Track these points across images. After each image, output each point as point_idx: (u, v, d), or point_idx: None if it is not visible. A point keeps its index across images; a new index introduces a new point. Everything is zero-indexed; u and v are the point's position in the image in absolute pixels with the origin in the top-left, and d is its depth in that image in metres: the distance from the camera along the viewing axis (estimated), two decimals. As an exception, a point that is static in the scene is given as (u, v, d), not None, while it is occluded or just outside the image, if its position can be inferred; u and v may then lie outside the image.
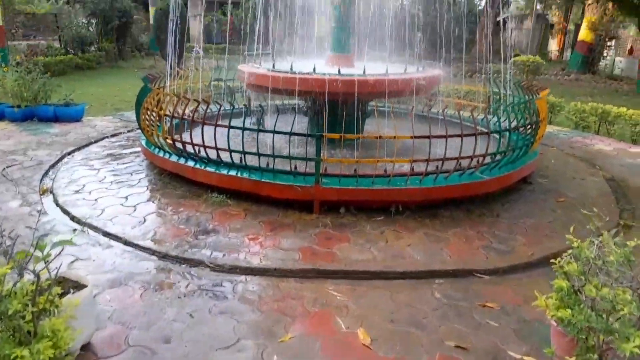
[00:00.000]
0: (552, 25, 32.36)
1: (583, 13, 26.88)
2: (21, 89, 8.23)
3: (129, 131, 7.92)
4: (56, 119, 8.37)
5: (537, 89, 6.06)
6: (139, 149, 6.43)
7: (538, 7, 34.54)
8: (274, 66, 5.62)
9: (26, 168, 5.88)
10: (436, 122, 6.43)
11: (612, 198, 5.37)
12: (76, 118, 8.46)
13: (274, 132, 4.29)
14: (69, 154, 6.63)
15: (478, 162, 4.53)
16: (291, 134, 4.25)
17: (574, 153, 7.33)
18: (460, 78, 8.60)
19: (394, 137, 4.24)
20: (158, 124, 5.34)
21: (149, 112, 5.20)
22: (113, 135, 7.68)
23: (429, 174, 4.41)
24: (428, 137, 4.22)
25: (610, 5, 17.42)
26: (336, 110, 5.61)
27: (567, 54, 28.32)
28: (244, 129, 4.38)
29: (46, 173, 5.83)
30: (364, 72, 5.21)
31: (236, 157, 4.56)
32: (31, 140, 7.24)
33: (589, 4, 17.82)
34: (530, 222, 4.46)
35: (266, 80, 5.29)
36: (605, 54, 21.10)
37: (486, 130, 4.54)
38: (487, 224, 4.38)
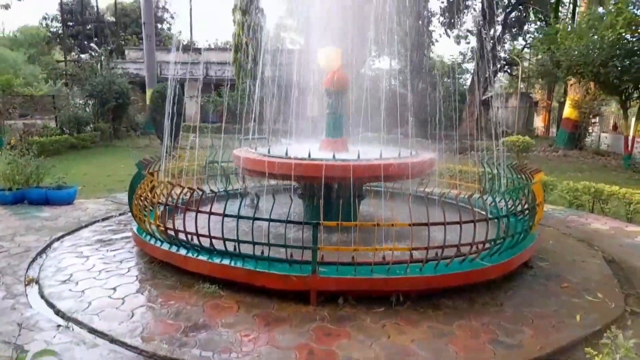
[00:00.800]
0: (536, 103, 33.59)
1: (565, 92, 28.04)
2: (14, 172, 8.20)
3: (120, 214, 7.80)
4: (47, 201, 8.26)
5: (530, 171, 6.10)
6: (129, 234, 6.29)
7: (522, 86, 36.06)
8: (269, 151, 5.63)
9: (12, 255, 5.69)
10: (432, 202, 6.44)
11: (615, 282, 5.23)
12: (68, 201, 8.36)
13: (270, 220, 4.20)
14: (58, 239, 6.46)
15: (478, 248, 4.43)
16: (287, 222, 4.16)
17: (571, 233, 7.27)
18: (452, 155, 8.71)
19: (392, 224, 4.16)
20: (151, 209, 5.25)
21: (141, 199, 5.12)
22: (104, 219, 7.55)
23: (429, 261, 4.29)
24: (426, 224, 4.15)
25: (592, 85, 18.16)
26: (332, 194, 5.58)
27: (553, 130, 29.19)
28: (238, 217, 4.29)
29: (33, 261, 5.63)
30: (359, 156, 5.23)
31: (230, 245, 4.43)
32: (20, 225, 7.09)
33: (572, 84, 18.57)
34: (536, 311, 4.29)
35: (262, 166, 5.28)
36: (590, 130, 21.73)
37: (484, 215, 4.48)
38: (492, 314, 4.21)
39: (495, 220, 4.63)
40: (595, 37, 14.84)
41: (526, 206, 4.94)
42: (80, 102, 19.59)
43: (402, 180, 5.69)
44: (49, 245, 6.17)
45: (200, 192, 4.67)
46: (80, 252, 5.84)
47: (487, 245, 4.53)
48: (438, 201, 5.73)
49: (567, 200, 8.87)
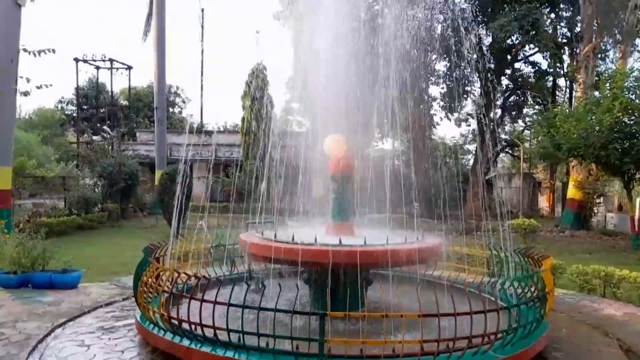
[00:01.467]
0: (539, 183, 33.89)
1: (568, 172, 28.37)
2: (20, 255, 8.21)
3: (124, 299, 7.69)
4: (51, 285, 8.20)
5: (538, 256, 6.05)
6: (132, 320, 6.17)
7: (524, 166, 36.60)
8: (275, 236, 5.65)
9: (13, 344, 5.56)
10: (440, 287, 6.34)
11: (634, 374, 5.03)
12: (72, 285, 8.29)
13: (275, 310, 4.14)
14: (60, 326, 6.33)
15: (490, 339, 4.31)
16: (293, 312, 4.10)
17: (584, 320, 7.07)
18: (458, 236, 8.67)
19: (401, 315, 4.09)
20: (155, 296, 5.19)
21: (146, 287, 5.08)
22: (107, 304, 7.43)
23: (440, 354, 4.16)
24: (436, 315, 4.07)
25: (593, 166, 18.41)
26: (338, 279, 5.53)
27: (558, 209, 29.19)
28: (243, 307, 4.24)
29: (34, 349, 5.49)
30: (365, 242, 5.23)
31: (234, 335, 4.33)
32: (22, 311, 6.99)
33: (574, 166, 18.84)
34: (554, 409, 4.10)
35: (268, 251, 5.28)
36: (596, 211, 21.73)
37: (494, 302, 4.41)
38: (507, 410, 4.02)
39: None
40: (594, 120, 15.24)
41: (536, 294, 4.86)
42: (90, 183, 19.96)
43: (409, 266, 5.66)
44: (50, 333, 6.04)
45: (206, 280, 4.64)
46: (81, 340, 5.71)
47: (499, 335, 4.41)
48: (446, 286, 5.64)
49: (577, 285, 8.71)
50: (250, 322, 4.38)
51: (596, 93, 17.96)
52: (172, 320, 4.74)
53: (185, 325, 4.66)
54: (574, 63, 25.19)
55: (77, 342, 5.63)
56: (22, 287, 8.17)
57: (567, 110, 17.89)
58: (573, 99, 23.44)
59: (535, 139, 26.44)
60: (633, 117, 14.90)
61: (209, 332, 4.49)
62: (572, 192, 20.49)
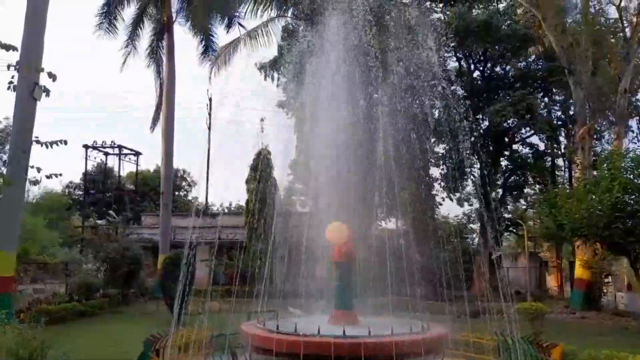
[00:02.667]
0: (546, 262, 33.42)
1: (574, 251, 28.10)
2: (18, 346, 8.03)
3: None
4: (46, 380, 7.95)
5: (546, 344, 5.94)
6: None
7: (530, 244, 36.32)
8: (277, 327, 5.60)
9: None
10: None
11: None
12: (70, 378, 8.05)
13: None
14: (54, 423, 6.12)
15: None
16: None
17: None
18: (464, 319, 8.41)
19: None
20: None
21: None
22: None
23: None
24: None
25: (598, 245, 18.29)
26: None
27: (567, 289, 28.59)
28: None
29: None
30: (369, 333, 5.18)
31: None
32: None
33: (578, 245, 18.73)
34: None
35: (270, 343, 5.22)
36: (605, 290, 21.28)
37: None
38: None
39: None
40: (595, 200, 15.37)
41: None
42: (93, 268, 19.86)
43: (415, 357, 5.54)
44: None
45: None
46: None
47: None
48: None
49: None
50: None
51: (594, 173, 18.25)
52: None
53: None
54: (571, 144, 25.83)
55: None
56: (19, 381, 7.93)
57: (568, 190, 18.09)
58: (572, 178, 23.73)
59: (539, 219, 26.47)
60: (633, 197, 15.03)
61: None
62: (579, 272, 20.20)
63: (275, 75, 27.42)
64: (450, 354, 6.88)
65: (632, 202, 15.02)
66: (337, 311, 6.22)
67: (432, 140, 28.84)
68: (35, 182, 13.83)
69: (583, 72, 19.20)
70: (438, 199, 31.52)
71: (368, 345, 4.89)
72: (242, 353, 7.28)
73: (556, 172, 31.77)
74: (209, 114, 42.09)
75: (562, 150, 27.82)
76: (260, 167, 23.39)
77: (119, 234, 21.74)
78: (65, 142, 13.57)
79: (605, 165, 16.07)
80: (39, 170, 13.46)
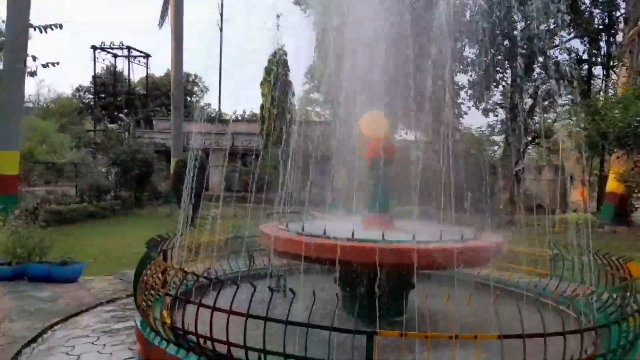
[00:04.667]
0: (571, 177, 32.28)
1: (602, 164, 26.84)
2: (15, 244, 7.38)
3: (127, 295, 6.79)
4: (50, 279, 7.36)
5: (618, 258, 5.00)
6: (133, 323, 5.27)
7: (553, 158, 35.02)
8: (303, 229, 4.67)
9: (-9, 350, 4.71)
10: (501, 292, 5.35)
11: None
12: (72, 278, 7.45)
13: (308, 325, 3.16)
14: (51, 327, 5.48)
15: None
16: (332, 329, 3.12)
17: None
18: (501, 232, 7.57)
19: (475, 336, 3.07)
20: (158, 297, 4.27)
21: (148, 288, 4.15)
22: (109, 302, 6.57)
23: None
24: (521, 336, 3.05)
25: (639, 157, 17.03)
26: (378, 284, 4.55)
27: (593, 203, 27.76)
28: (266, 319, 3.26)
29: (17, 355, 4.66)
30: (414, 238, 4.22)
31: (253, 354, 3.37)
32: (13, 307, 6.17)
33: (618, 157, 17.47)
34: None
35: (296, 247, 4.32)
36: (635, 205, 20.33)
37: (591, 323, 3.37)
38: None
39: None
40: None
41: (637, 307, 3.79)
42: (103, 170, 19.23)
43: (468, 267, 4.67)
44: (38, 336, 5.18)
45: (219, 282, 3.68)
46: (72, 346, 4.84)
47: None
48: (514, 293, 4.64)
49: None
50: (273, 335, 3.40)
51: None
52: (177, 330, 3.80)
53: (192, 337, 3.71)
54: (618, 47, 23.69)
55: (67, 349, 4.75)
56: (18, 279, 7.35)
57: (614, 98, 16.53)
58: (614, 86, 21.90)
59: (576, 128, 25.04)
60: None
61: (221, 348, 3.53)
62: (613, 185, 19.09)
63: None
64: (503, 267, 6.05)
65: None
66: (372, 215, 5.25)
67: (462, 43, 26.82)
68: (33, 74, 12.77)
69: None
70: (464, 107, 30.01)
71: (421, 252, 3.94)
72: (260, 256, 6.52)
73: (592, 82, 29.70)
74: (221, 15, 39.59)
75: (602, 57, 25.63)
76: (276, 69, 21.90)
77: (130, 136, 20.90)
78: (61, 26, 12.24)
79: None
80: (34, 58, 12.29)
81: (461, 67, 28.26)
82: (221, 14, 39.40)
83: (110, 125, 27.18)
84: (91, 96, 41.43)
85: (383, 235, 4.22)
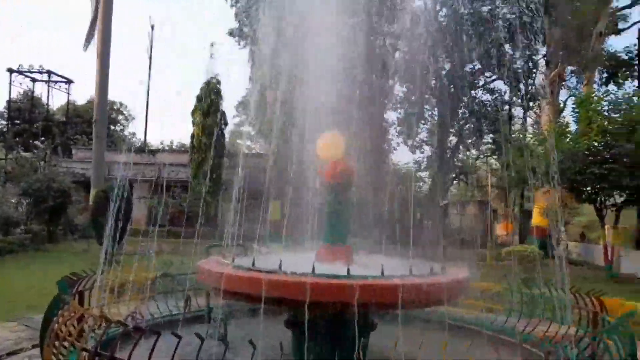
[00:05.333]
0: (494, 211, 33.57)
1: (522, 198, 28.09)
2: None
3: (34, 346, 5.73)
4: None
5: (590, 293, 4.79)
6: (40, 382, 4.32)
7: (477, 194, 36.44)
8: (254, 263, 4.03)
9: None
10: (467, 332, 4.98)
11: None
12: (-36, 326, 6.24)
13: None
14: None
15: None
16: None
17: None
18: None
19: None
20: (72, 350, 3.43)
21: (58, 340, 3.31)
22: (10, 354, 5.48)
23: None
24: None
25: (561, 192, 17.79)
26: (337, 325, 3.99)
27: (516, 238, 28.83)
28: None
29: None
30: (383, 273, 3.71)
31: None
32: None
33: (544, 192, 18.18)
34: None
35: (247, 285, 3.67)
36: (561, 239, 21.21)
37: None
38: None
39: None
40: (570, 144, 14.63)
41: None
42: (13, 200, 17.36)
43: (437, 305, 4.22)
44: None
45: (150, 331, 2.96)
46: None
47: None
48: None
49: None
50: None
51: (565, 118, 17.54)
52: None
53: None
54: (531, 91, 25.22)
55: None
56: None
57: (541, 136, 17.30)
58: (537, 125, 23.16)
59: (497, 165, 26.08)
60: (605, 141, 14.34)
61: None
62: (538, 219, 19.85)
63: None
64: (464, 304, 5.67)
65: (608, 146, 14.34)
66: (329, 246, 4.70)
67: (391, 82, 27.52)
68: None
69: (563, 10, 18.10)
70: (393, 144, 30.59)
71: (388, 288, 3.44)
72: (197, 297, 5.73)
73: (512, 122, 31.35)
74: (151, 43, 38.39)
75: (522, 99, 27.19)
76: (209, 97, 21.13)
77: (45, 164, 19.14)
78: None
79: (580, 108, 15.27)
80: None
81: (391, 104, 28.99)
82: (151, 42, 38.26)
83: (24, 154, 24.92)
84: (4, 122, 38.36)
85: (348, 271, 3.68)
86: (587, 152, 13.99)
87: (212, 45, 21.87)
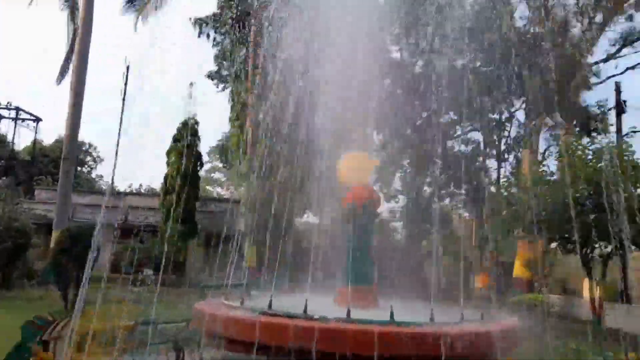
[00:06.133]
0: (471, 263, 33.16)
1: (497, 251, 27.84)
2: None
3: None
4: None
5: None
6: None
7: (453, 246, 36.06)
8: (270, 306, 3.30)
9: None
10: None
11: None
12: None
13: None
14: None
15: None
16: None
17: None
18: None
19: None
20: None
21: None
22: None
23: None
24: None
25: (542, 242, 17.53)
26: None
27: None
28: None
29: None
30: (433, 320, 3.05)
31: None
32: None
33: (530, 242, 17.90)
34: None
35: (264, 332, 2.93)
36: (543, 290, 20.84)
37: None
38: None
39: None
40: (555, 194, 14.44)
41: None
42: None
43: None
44: None
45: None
46: None
47: None
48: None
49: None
50: None
51: (546, 167, 17.51)
52: None
53: None
54: (508, 142, 25.60)
55: None
56: None
57: (527, 184, 17.14)
58: (500, 178, 23.19)
59: (475, 216, 25.90)
60: (593, 190, 14.19)
61: None
62: (520, 271, 19.47)
63: (212, 34, 24.43)
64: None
65: (592, 195, 14.19)
66: (351, 288, 3.99)
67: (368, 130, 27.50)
68: None
69: (542, 63, 18.50)
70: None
71: (462, 336, 2.75)
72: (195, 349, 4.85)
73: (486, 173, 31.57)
74: (125, 84, 37.74)
75: (500, 149, 27.54)
76: (186, 137, 20.41)
77: (5, 204, 17.81)
78: None
79: (566, 157, 15.21)
80: None
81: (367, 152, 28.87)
82: (125, 82, 37.61)
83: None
84: (-39, 161, 36.53)
85: (392, 316, 2.99)
86: (573, 201, 13.77)
87: (191, 84, 21.36)
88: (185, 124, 20.98)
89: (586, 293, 15.55)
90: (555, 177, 16.34)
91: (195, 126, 21.18)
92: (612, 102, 21.87)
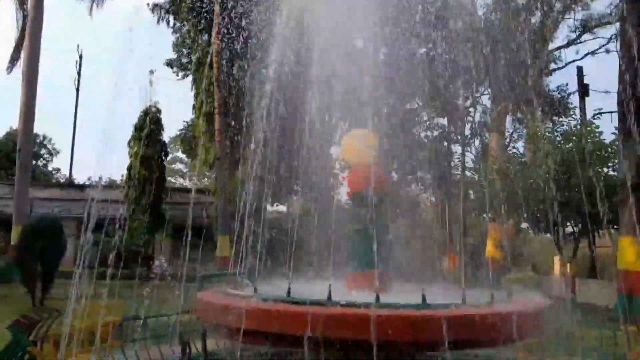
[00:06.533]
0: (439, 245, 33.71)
1: (465, 229, 28.33)
2: None
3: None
4: None
5: None
6: None
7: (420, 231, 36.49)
8: (289, 293, 3.06)
9: None
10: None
11: None
12: None
13: None
14: None
15: None
16: None
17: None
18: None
19: None
20: None
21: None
22: None
23: None
24: None
25: (513, 222, 17.90)
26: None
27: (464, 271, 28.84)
28: None
29: None
30: (464, 301, 2.89)
31: None
32: None
33: (503, 223, 18.21)
34: None
35: (286, 322, 2.71)
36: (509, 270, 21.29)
37: None
38: None
39: None
40: (529, 175, 14.72)
41: None
42: None
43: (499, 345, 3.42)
44: None
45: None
46: None
47: None
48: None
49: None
50: None
51: (516, 150, 17.83)
52: None
53: None
54: (472, 127, 25.87)
55: None
56: None
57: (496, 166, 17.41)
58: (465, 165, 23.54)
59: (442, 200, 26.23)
60: (563, 170, 14.54)
61: None
62: (491, 251, 19.79)
63: (171, 19, 23.57)
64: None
65: (564, 175, 14.53)
66: (359, 273, 3.80)
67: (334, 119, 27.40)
68: None
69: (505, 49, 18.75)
70: (339, 179, 30.18)
71: (473, 319, 2.59)
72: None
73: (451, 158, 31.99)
74: (79, 73, 36.20)
75: (466, 133, 27.82)
76: (149, 126, 19.67)
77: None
78: None
79: (538, 140, 15.55)
80: None
81: (336, 140, 28.76)
82: (79, 72, 36.05)
83: None
84: None
85: (424, 299, 2.82)
86: (546, 183, 14.06)
87: (151, 72, 20.61)
88: (146, 112, 20.24)
89: (557, 271, 15.96)
90: (524, 159, 16.69)
91: (158, 115, 20.48)
92: (572, 87, 22.48)
